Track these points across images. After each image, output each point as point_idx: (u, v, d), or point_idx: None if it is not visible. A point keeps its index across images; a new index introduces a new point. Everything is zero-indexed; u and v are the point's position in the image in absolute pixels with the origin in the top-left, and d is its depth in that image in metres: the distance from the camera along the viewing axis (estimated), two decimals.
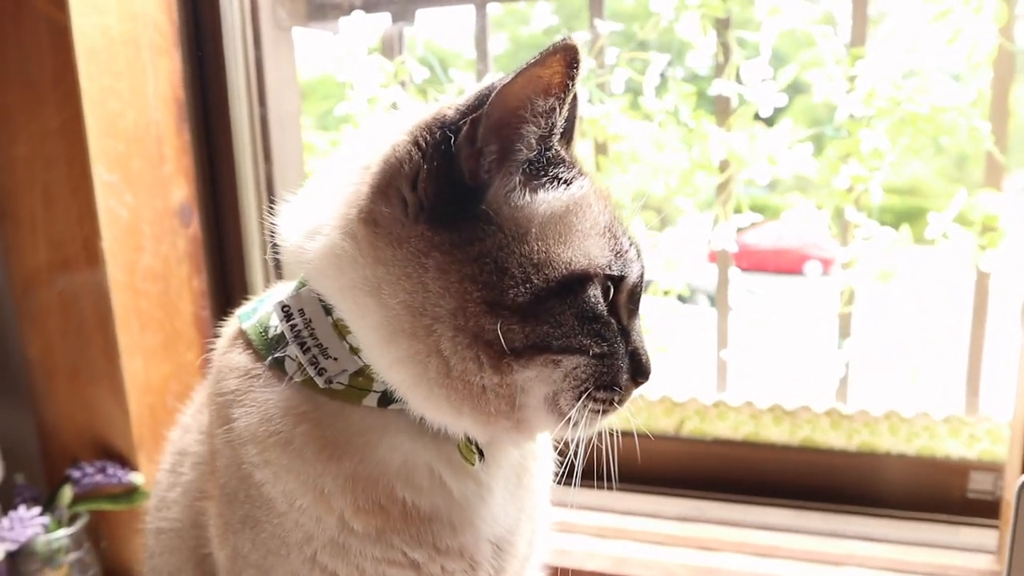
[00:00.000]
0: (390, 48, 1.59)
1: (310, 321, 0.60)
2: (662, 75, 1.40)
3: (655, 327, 1.42)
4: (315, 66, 1.74)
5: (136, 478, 1.26)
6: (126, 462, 1.28)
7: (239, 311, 0.67)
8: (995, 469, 1.15)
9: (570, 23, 1.47)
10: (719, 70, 1.38)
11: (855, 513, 1.18)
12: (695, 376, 1.48)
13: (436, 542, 0.64)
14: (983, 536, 1.11)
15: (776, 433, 1.24)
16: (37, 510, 1.20)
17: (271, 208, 1.52)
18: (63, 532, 1.22)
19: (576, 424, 0.59)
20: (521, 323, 0.55)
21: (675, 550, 1.12)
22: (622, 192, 1.41)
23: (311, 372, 0.60)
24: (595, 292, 0.57)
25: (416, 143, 0.55)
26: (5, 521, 1.17)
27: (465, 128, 0.55)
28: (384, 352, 0.58)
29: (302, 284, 0.63)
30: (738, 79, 1.38)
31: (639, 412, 1.36)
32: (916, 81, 1.35)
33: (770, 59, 1.36)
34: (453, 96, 0.59)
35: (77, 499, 1.25)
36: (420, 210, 0.56)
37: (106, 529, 1.31)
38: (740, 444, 1.26)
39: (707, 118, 1.39)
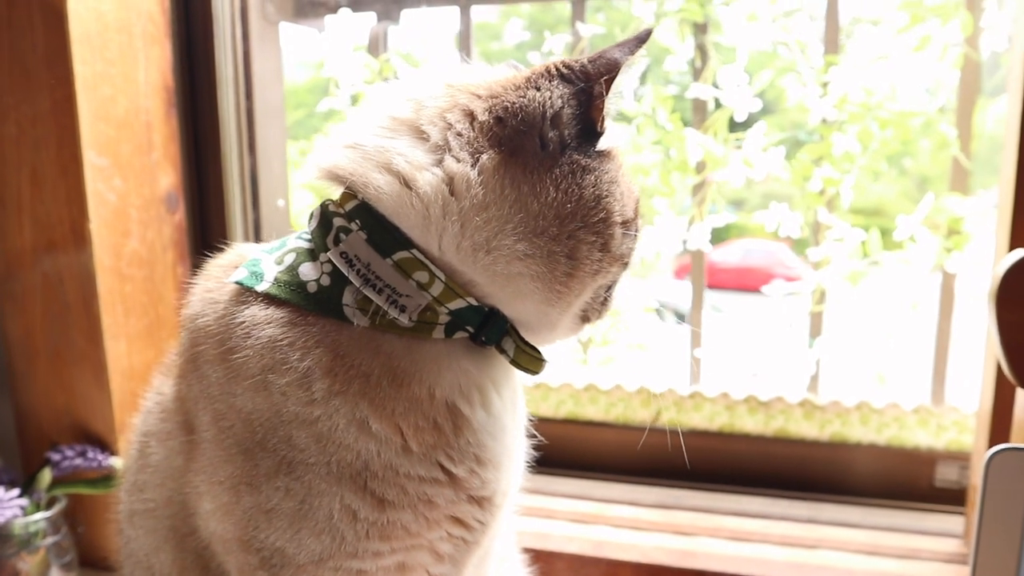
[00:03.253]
0: (375, 47, 1.62)
1: (369, 264, 0.64)
2: (642, 78, 1.44)
3: (632, 326, 1.45)
4: (298, 67, 1.76)
5: (116, 462, 1.26)
6: (106, 446, 1.28)
7: (239, 276, 0.68)
8: (961, 458, 1.18)
9: (554, 29, 1.51)
10: (696, 74, 1.43)
11: (827, 501, 1.21)
12: (670, 372, 1.51)
13: (479, 453, 0.68)
14: (949, 522, 1.14)
15: (751, 424, 1.27)
16: (15, 492, 1.19)
17: (255, 200, 1.52)
18: (40, 515, 1.21)
19: (576, 334, 0.74)
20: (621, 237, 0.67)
21: (652, 535, 1.14)
22: None
23: (393, 312, 0.64)
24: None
25: (568, 93, 0.66)
26: None
27: (598, 86, 0.65)
28: (506, 258, 0.64)
29: (340, 230, 0.65)
30: (715, 84, 1.42)
31: (617, 403, 1.40)
32: (886, 88, 1.40)
33: (746, 64, 1.41)
34: (576, 55, 0.71)
35: (55, 483, 1.25)
36: (562, 144, 0.65)
37: (83, 514, 1.31)
38: (715, 434, 1.29)
39: (680, 123, 1.44)
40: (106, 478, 1.27)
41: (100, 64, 1.21)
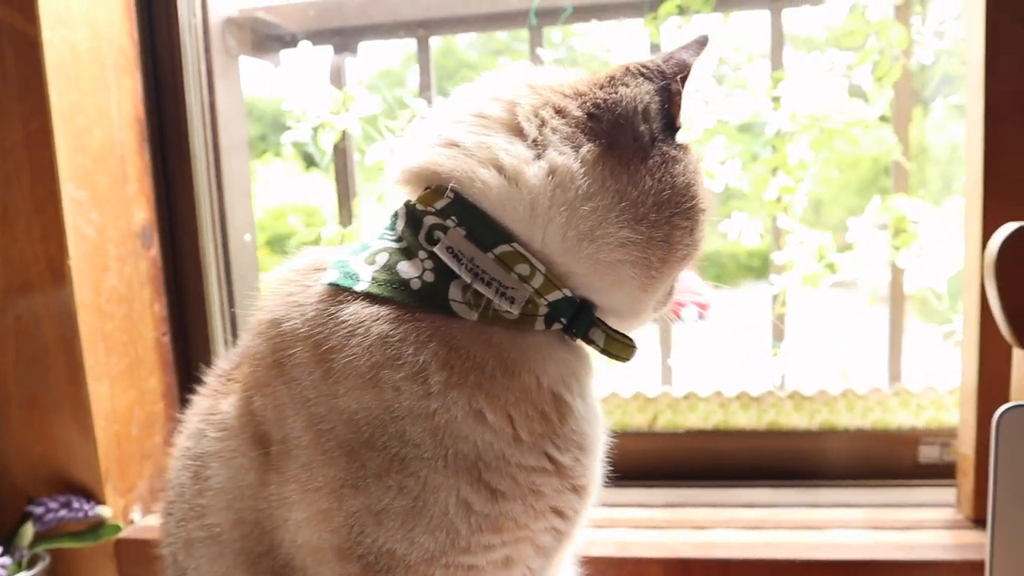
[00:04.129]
0: (335, 79, 1.62)
1: (473, 259, 0.65)
2: None
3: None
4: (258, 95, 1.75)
5: (104, 511, 1.20)
6: (91, 495, 1.21)
7: (332, 278, 0.67)
8: (941, 435, 1.26)
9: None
10: None
11: (824, 486, 1.27)
12: (649, 377, 1.55)
13: (581, 441, 0.69)
14: (940, 494, 1.22)
15: (744, 419, 1.32)
16: None
17: (224, 236, 1.48)
18: (23, 575, 1.13)
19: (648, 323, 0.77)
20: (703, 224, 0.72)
21: (671, 531, 1.16)
22: None
23: (504, 304, 0.65)
24: None
25: (652, 89, 0.69)
26: None
27: (675, 84, 0.70)
28: (609, 246, 0.66)
29: (433, 228, 0.66)
30: None
31: (614, 410, 1.42)
32: (830, 100, 1.51)
33: (699, 83, 1.48)
34: (650, 59, 0.72)
35: (38, 538, 1.17)
36: (651, 137, 0.68)
37: (66, 571, 1.22)
38: (711, 433, 1.33)
39: None
40: (93, 529, 1.20)
41: (75, 94, 1.17)
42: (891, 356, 1.51)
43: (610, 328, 0.70)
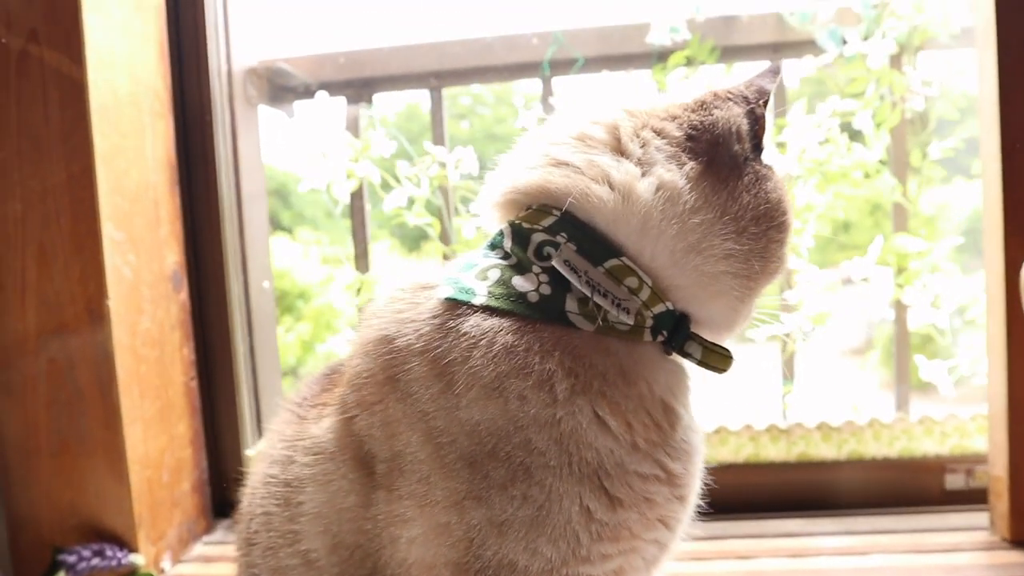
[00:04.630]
0: (351, 128, 1.64)
1: (587, 272, 0.67)
2: None
3: None
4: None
5: (137, 559, 1.16)
6: (123, 543, 1.17)
7: (448, 293, 0.68)
8: (965, 461, 1.30)
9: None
10: None
11: (857, 514, 1.29)
12: None
13: (689, 449, 0.70)
14: (973, 519, 1.25)
15: (774, 452, 1.34)
16: None
17: (245, 282, 1.48)
18: None
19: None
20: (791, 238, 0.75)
21: (715, 563, 1.17)
22: None
23: (622, 316, 0.67)
24: None
25: (742, 112, 0.73)
26: None
27: (759, 108, 0.74)
28: (715, 258, 0.69)
29: (543, 244, 0.68)
30: None
31: None
32: (831, 146, 1.58)
33: None
34: (734, 83, 0.76)
35: None
36: (743, 156, 0.72)
37: None
38: (743, 466, 1.35)
39: None
40: None
41: (116, 137, 1.18)
42: (898, 388, 1.56)
43: (706, 340, 0.73)
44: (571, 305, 0.67)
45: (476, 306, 0.67)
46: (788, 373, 1.58)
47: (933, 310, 1.53)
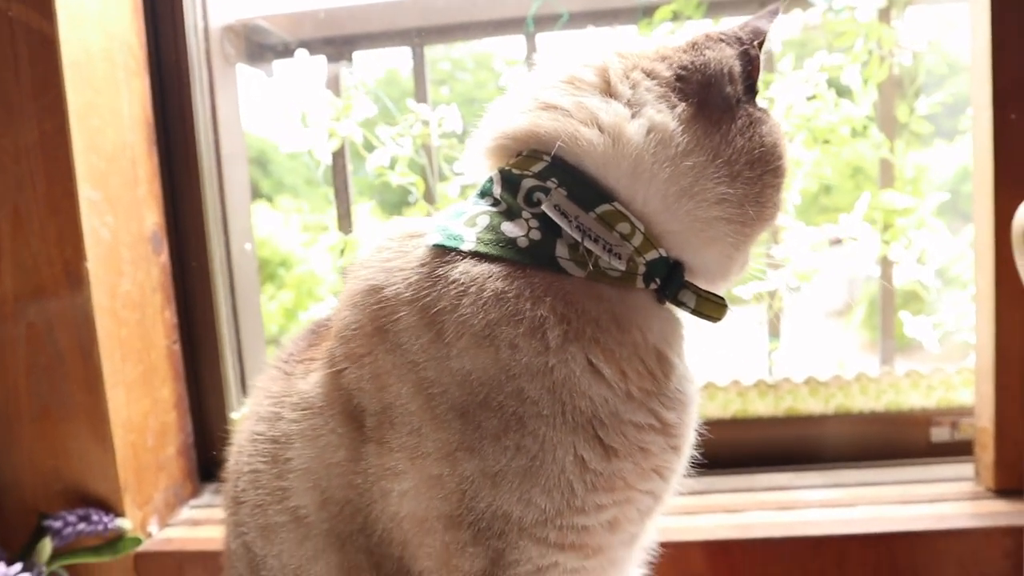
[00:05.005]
0: (332, 87, 1.61)
1: (577, 218, 0.65)
2: None
3: None
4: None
5: (123, 524, 1.15)
6: (108, 508, 1.16)
7: (436, 240, 0.66)
8: (951, 414, 1.31)
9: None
10: None
11: (844, 467, 1.30)
12: None
13: (683, 398, 0.70)
14: (958, 470, 1.26)
15: (762, 407, 1.34)
16: (17, 567, 1.05)
17: (226, 244, 1.45)
18: None
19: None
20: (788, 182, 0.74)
21: (706, 516, 1.17)
22: None
23: (613, 262, 0.65)
24: None
25: (734, 53, 0.72)
26: None
27: (753, 49, 0.72)
28: (707, 202, 0.67)
29: (533, 190, 0.66)
30: None
31: None
32: (818, 102, 1.57)
33: None
34: (729, 25, 0.75)
35: (55, 554, 1.12)
36: (736, 98, 0.70)
37: None
38: (730, 421, 1.35)
39: None
40: (112, 543, 1.15)
41: (89, 93, 1.14)
42: (883, 344, 1.57)
43: (700, 289, 0.72)
44: (561, 251, 0.66)
45: (465, 252, 0.66)
46: (774, 330, 1.58)
47: (919, 266, 1.53)
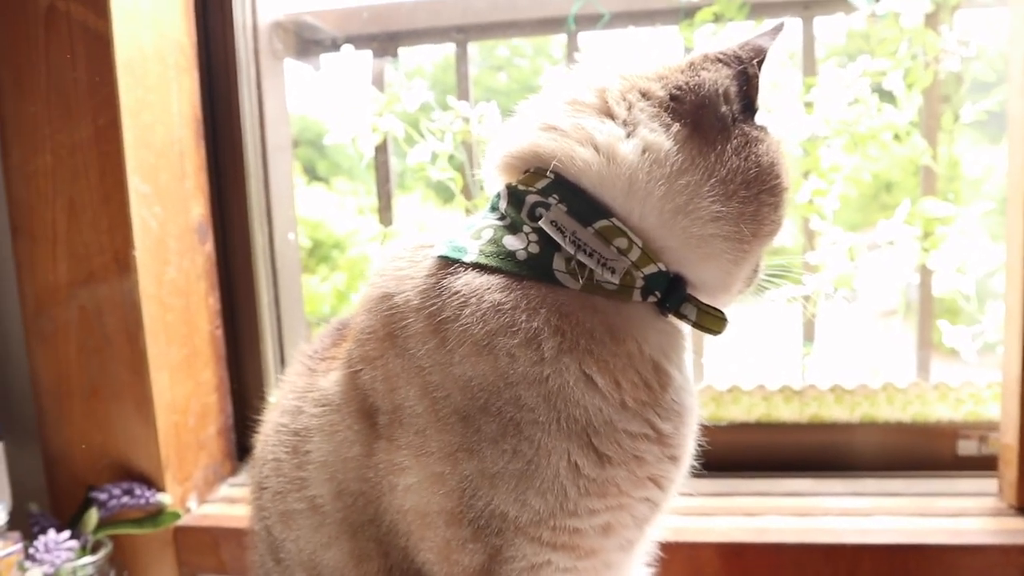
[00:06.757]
0: (377, 82, 1.65)
1: (575, 232, 0.68)
2: None
3: None
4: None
5: (164, 499, 1.22)
6: (150, 483, 1.23)
7: (442, 251, 0.70)
8: (979, 428, 1.30)
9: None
10: None
11: (866, 476, 1.30)
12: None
13: (679, 411, 0.72)
14: (982, 484, 1.25)
15: (787, 412, 1.35)
16: (67, 534, 1.13)
17: (270, 234, 1.50)
18: (88, 559, 1.15)
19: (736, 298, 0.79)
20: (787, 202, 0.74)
21: (723, 519, 1.19)
22: None
23: (606, 275, 0.68)
24: None
25: (731, 73, 0.73)
26: (39, 543, 1.10)
27: (752, 67, 0.73)
28: (702, 220, 0.69)
29: (535, 205, 0.69)
30: None
31: None
32: (861, 106, 1.55)
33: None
34: (728, 44, 0.76)
35: (100, 524, 1.19)
36: (732, 118, 0.71)
37: (124, 558, 1.24)
38: (754, 426, 1.36)
39: None
40: (153, 516, 1.22)
41: (141, 91, 1.20)
42: (920, 353, 1.55)
43: (701, 302, 0.73)
44: (558, 264, 0.69)
45: (468, 264, 0.69)
46: (808, 335, 1.58)
47: (958, 275, 1.51)
